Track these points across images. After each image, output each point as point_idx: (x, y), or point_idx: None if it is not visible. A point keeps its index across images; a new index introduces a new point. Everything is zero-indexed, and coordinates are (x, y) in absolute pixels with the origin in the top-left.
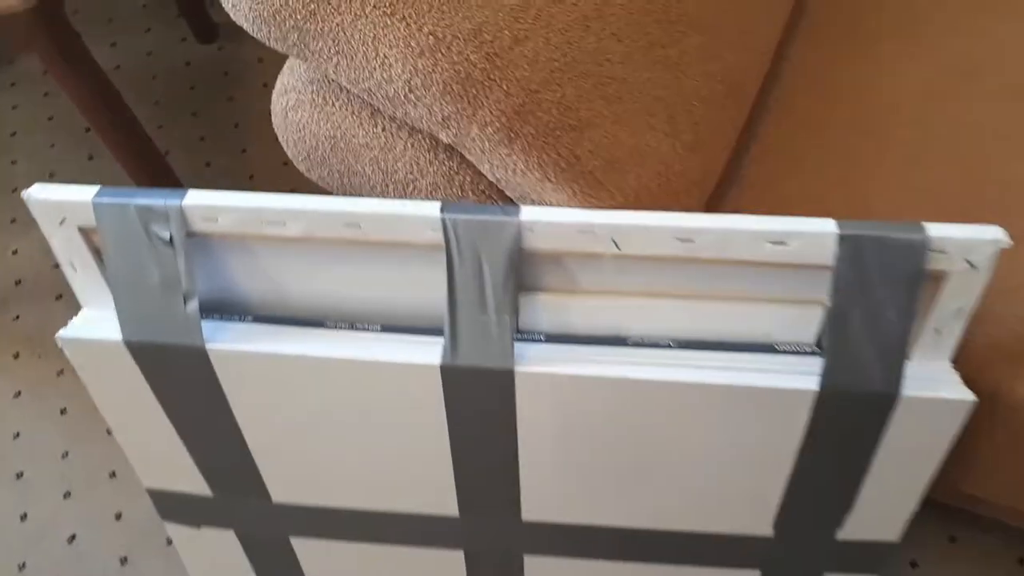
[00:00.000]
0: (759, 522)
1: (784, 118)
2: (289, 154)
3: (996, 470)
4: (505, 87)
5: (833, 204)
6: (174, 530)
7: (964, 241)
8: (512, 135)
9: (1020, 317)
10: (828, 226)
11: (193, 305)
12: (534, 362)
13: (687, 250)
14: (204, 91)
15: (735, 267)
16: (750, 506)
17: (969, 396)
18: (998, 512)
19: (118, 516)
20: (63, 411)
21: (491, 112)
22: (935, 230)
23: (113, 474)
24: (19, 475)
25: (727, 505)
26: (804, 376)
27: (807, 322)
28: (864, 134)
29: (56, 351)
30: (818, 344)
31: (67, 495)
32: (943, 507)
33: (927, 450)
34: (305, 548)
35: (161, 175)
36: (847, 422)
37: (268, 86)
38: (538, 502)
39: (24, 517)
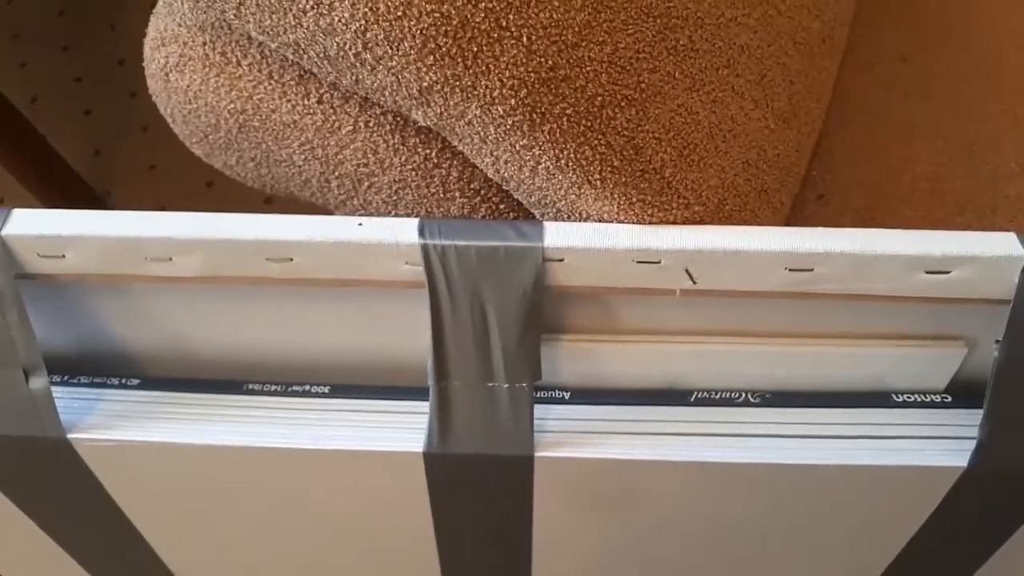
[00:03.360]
0: None
1: (871, 66)
2: (178, 133)
3: None
4: (525, 38)
5: (962, 195)
6: None
7: None
8: (536, 117)
9: None
10: (1010, 246)
11: (39, 381)
12: (560, 440)
13: (801, 283)
14: (77, 17)
15: (859, 300)
16: None
17: None
18: None
19: None
20: None
21: (502, 80)
22: None
23: None
24: None
25: None
26: (944, 444)
27: (941, 364)
28: (983, 81)
29: None
30: (951, 391)
31: None
32: None
33: None
34: None
35: (24, 139)
36: (994, 499)
37: None
38: None
39: None
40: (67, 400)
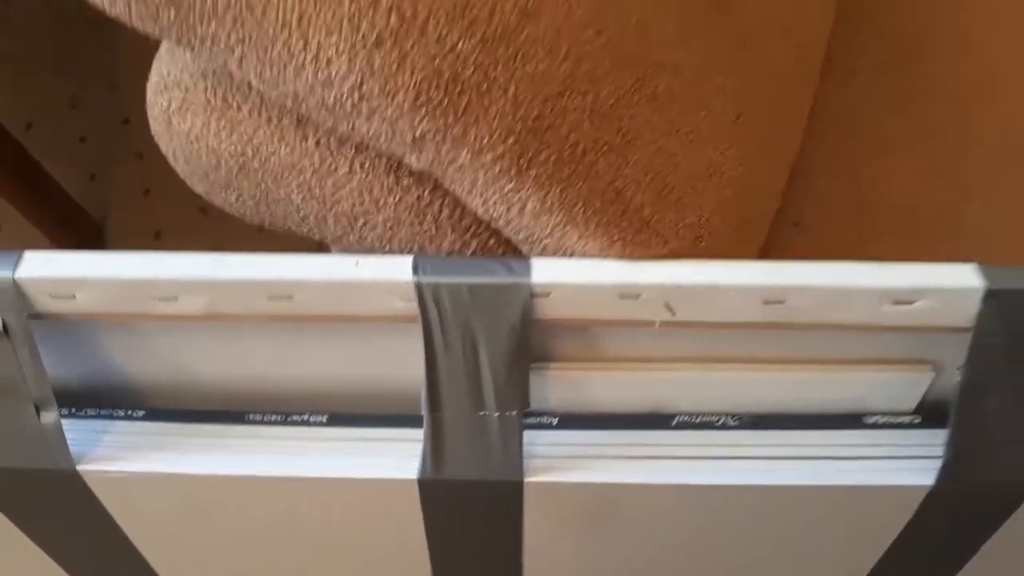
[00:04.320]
0: None
1: (850, 87)
2: (179, 172)
3: None
4: (512, 90)
5: (933, 212)
6: None
7: None
8: (523, 163)
9: None
10: (970, 278)
11: (50, 416)
12: (548, 465)
13: (775, 315)
14: (71, 45)
15: (830, 329)
16: None
17: None
18: None
19: None
20: None
21: (491, 130)
22: None
23: None
24: None
25: None
26: (912, 464)
27: (909, 388)
28: (964, 103)
29: None
30: (919, 412)
31: None
32: None
33: None
34: None
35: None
36: (960, 516)
37: None
38: None
39: None
40: (76, 432)
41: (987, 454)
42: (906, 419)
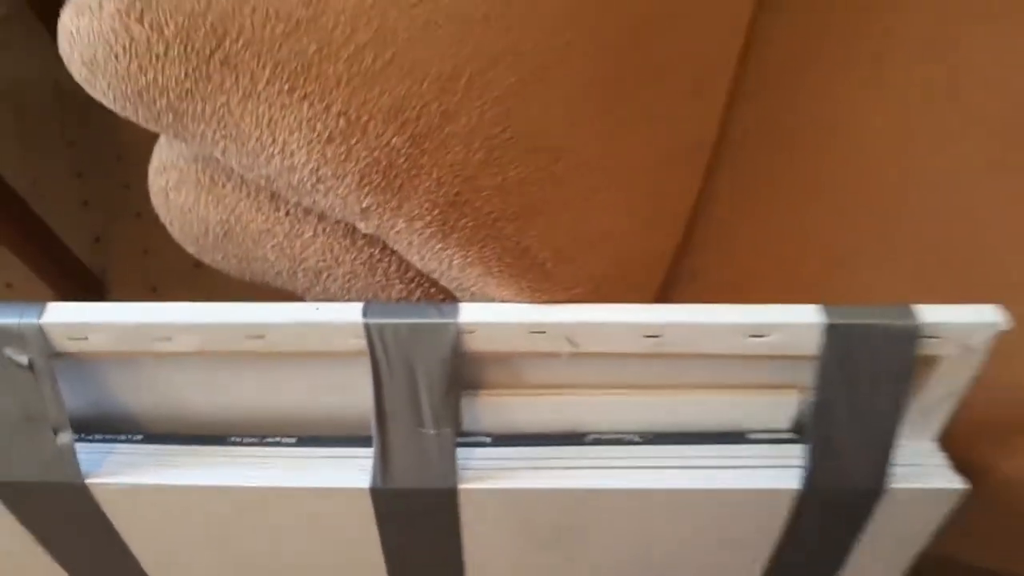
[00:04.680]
0: None
1: (739, 175)
2: (175, 237)
3: (991, 542)
4: (436, 174)
5: (805, 273)
6: None
7: (960, 326)
8: (447, 229)
9: (1007, 389)
10: (812, 315)
11: (65, 438)
12: (480, 475)
13: (655, 346)
14: (76, 116)
15: (706, 358)
16: None
17: (959, 484)
18: None
19: None
20: None
21: (420, 204)
22: (929, 314)
23: None
24: None
25: None
26: (784, 471)
27: (782, 408)
28: (831, 186)
29: None
30: (794, 429)
31: None
32: None
33: (914, 534)
34: None
35: (32, 231)
36: (829, 516)
37: None
38: None
39: None
40: (85, 452)
41: (839, 463)
42: (782, 435)
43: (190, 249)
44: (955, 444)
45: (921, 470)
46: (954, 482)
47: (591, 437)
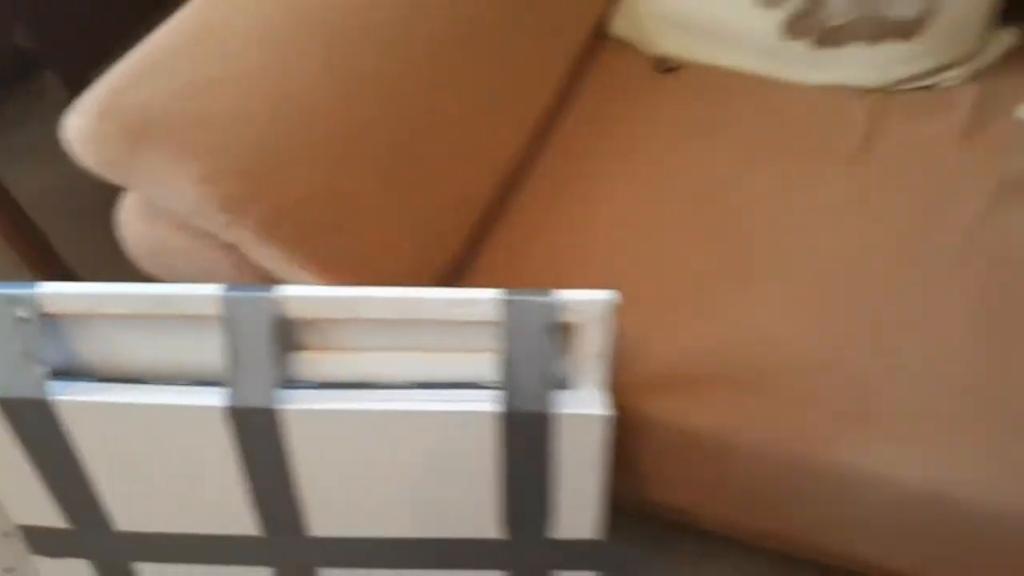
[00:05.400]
0: (489, 526)
1: (518, 216)
2: (130, 256)
3: (664, 479)
4: (266, 202)
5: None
6: (41, 563)
7: (584, 301)
8: (272, 239)
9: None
10: (488, 293)
11: (42, 368)
12: (297, 402)
13: (399, 312)
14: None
15: (443, 327)
16: (475, 512)
17: (605, 411)
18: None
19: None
20: None
21: (254, 223)
22: (563, 295)
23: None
24: None
25: (460, 513)
26: (483, 403)
27: (486, 363)
28: (579, 235)
29: None
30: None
31: None
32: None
33: (589, 457)
34: (145, 573)
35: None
36: (523, 437)
37: None
38: (321, 519)
39: None
40: (58, 385)
41: (523, 393)
42: (498, 384)
43: (141, 264)
44: (626, 395)
45: (580, 404)
46: (601, 410)
47: (380, 384)
